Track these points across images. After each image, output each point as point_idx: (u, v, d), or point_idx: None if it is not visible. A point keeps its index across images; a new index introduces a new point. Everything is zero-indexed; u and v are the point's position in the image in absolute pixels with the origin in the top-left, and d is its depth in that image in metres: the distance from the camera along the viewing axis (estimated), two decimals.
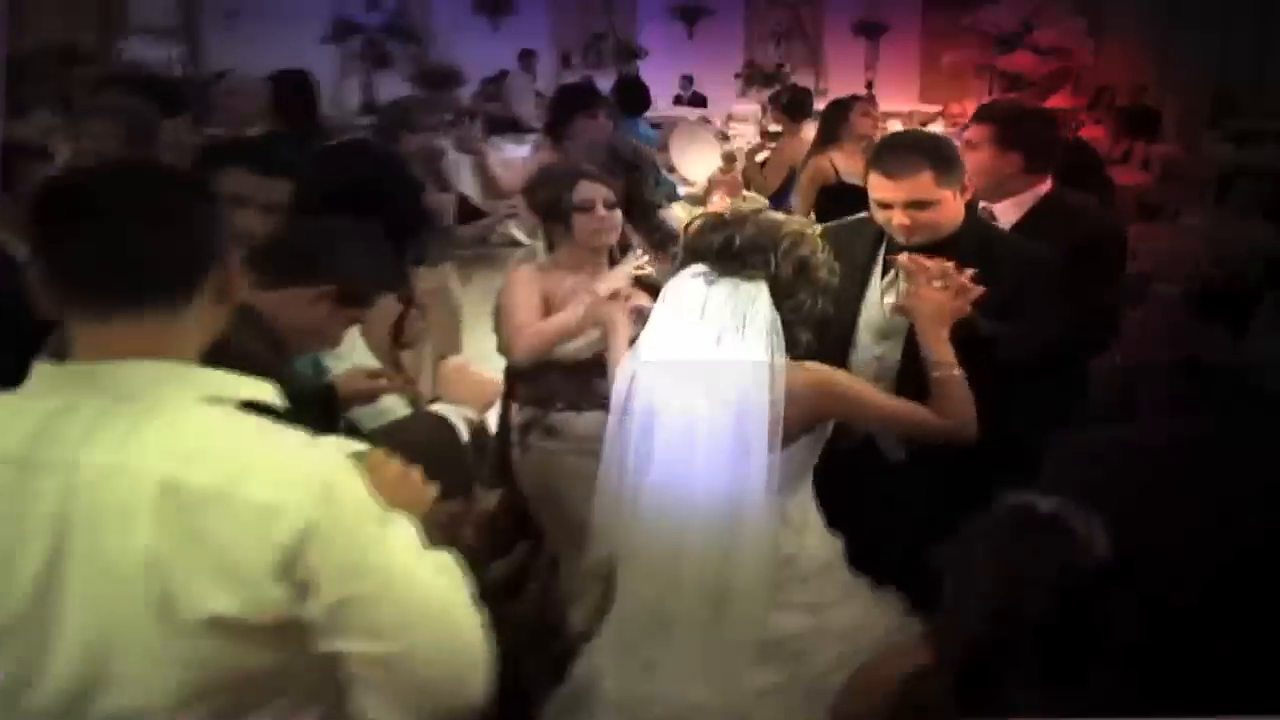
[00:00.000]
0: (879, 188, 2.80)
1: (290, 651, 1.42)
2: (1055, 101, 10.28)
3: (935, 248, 2.78)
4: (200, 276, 1.49)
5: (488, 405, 2.46)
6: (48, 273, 1.47)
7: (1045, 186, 3.39)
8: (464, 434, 2.26)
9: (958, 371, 2.52)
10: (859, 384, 2.54)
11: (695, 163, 5.97)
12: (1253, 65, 10.11)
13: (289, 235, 2.39)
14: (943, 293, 2.57)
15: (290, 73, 6.06)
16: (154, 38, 13.19)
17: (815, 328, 2.46)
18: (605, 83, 7.48)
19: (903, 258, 2.67)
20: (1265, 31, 10.12)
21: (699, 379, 2.35)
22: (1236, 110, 9.64)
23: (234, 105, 5.66)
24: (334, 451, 1.49)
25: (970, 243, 2.82)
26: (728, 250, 2.39)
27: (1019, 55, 11.20)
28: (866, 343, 2.88)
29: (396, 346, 2.99)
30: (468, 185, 6.20)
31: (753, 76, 14.07)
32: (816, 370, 2.47)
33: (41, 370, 1.48)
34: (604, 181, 3.17)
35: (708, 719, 2.34)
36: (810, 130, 6.79)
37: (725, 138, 7.15)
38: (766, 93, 10.31)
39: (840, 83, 14.11)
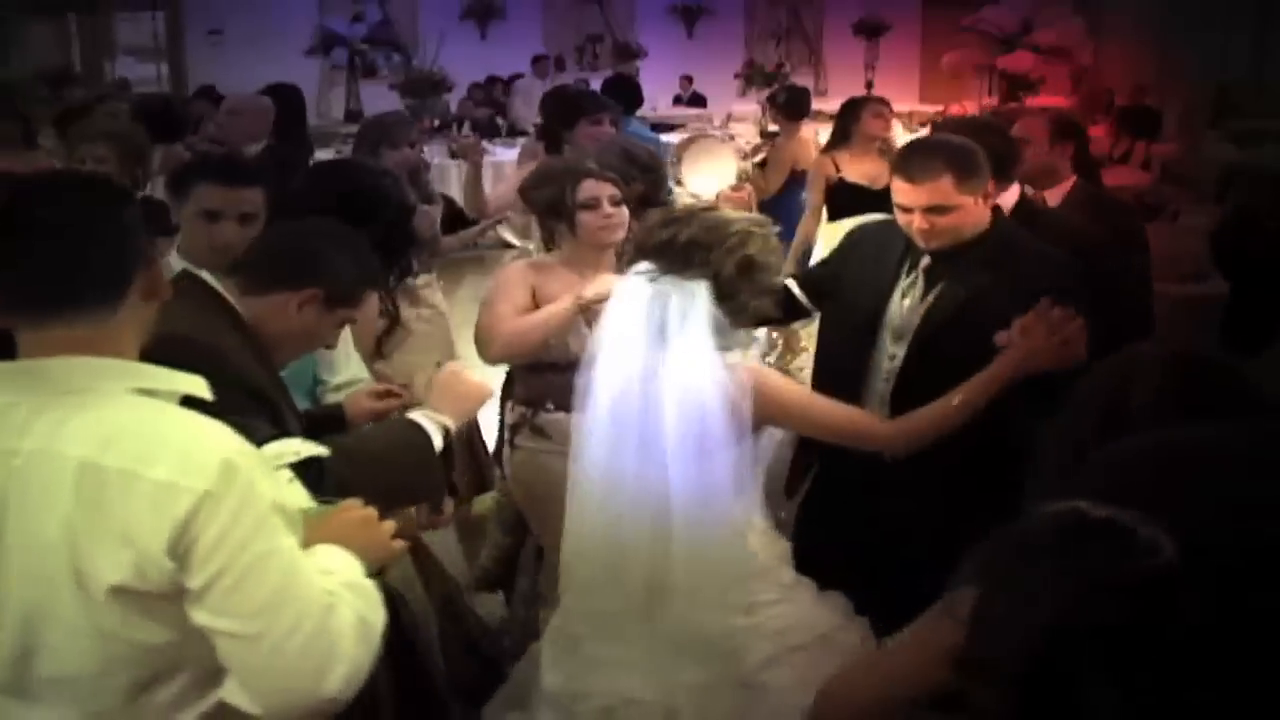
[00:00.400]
0: (900, 191, 2.79)
1: (186, 626, 1.53)
2: (1054, 101, 10.25)
3: (958, 252, 2.77)
4: (128, 279, 1.60)
5: (470, 413, 2.45)
6: None
7: (1011, 194, 3.42)
8: (438, 441, 2.27)
9: (965, 410, 2.49)
10: (796, 389, 2.52)
11: (708, 178, 5.93)
12: (1253, 65, 10.09)
13: (271, 242, 2.37)
14: (1049, 346, 2.47)
15: (280, 87, 6.11)
16: (140, 58, 13.36)
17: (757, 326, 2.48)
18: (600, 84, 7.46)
19: (1045, 304, 2.52)
20: (1265, 31, 10.09)
21: (647, 378, 2.34)
22: (1236, 110, 9.63)
23: (239, 125, 5.61)
24: (239, 441, 1.58)
25: (996, 249, 2.79)
26: (671, 246, 2.38)
27: (1019, 55, 11.17)
28: (885, 342, 2.87)
29: (377, 357, 2.99)
30: (455, 190, 6.19)
31: (753, 76, 14.05)
32: (755, 372, 2.46)
33: None
34: (609, 179, 3.11)
35: (639, 713, 2.38)
36: (808, 129, 6.78)
37: (745, 155, 7.09)
38: (766, 92, 10.27)
39: (840, 83, 14.13)
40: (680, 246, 2.37)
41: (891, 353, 2.86)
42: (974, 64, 12.07)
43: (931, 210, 2.73)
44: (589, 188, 3.07)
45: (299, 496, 1.79)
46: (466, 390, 2.39)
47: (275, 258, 2.27)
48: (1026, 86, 10.96)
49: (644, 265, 2.41)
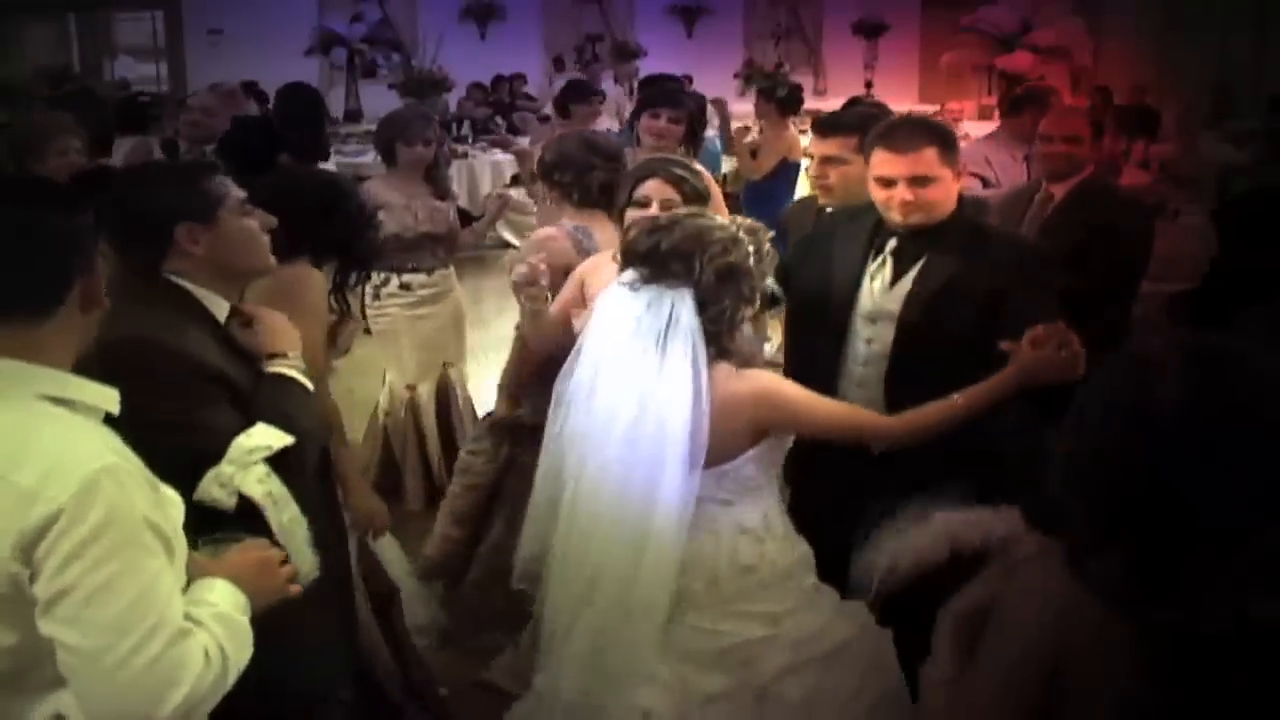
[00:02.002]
0: (884, 163, 2.83)
1: (27, 633, 1.52)
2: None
3: (928, 235, 2.82)
4: (62, 290, 1.60)
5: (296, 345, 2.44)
6: None
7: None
8: (307, 382, 2.34)
9: (969, 411, 2.49)
10: (804, 393, 2.49)
11: None
12: (1252, 65, 10.09)
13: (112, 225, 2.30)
14: (1054, 362, 2.46)
15: (293, 86, 6.04)
16: (140, 58, 13.38)
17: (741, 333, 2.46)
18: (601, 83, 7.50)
19: (1046, 329, 2.52)
20: (1265, 31, 10.10)
21: (624, 390, 2.34)
22: (1236, 110, 9.63)
23: (204, 123, 5.55)
24: (118, 460, 1.56)
25: (961, 235, 2.86)
26: (654, 255, 2.37)
27: (1018, 55, 11.16)
28: (857, 328, 2.90)
29: (331, 349, 3.06)
30: (459, 190, 6.24)
31: (752, 76, 14.04)
32: (761, 379, 2.46)
33: None
34: (673, 183, 3.10)
35: None
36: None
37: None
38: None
39: (839, 82, 14.14)
40: (663, 255, 2.36)
41: (867, 336, 2.88)
42: (973, 64, 12.06)
43: (915, 181, 2.78)
44: (646, 187, 3.08)
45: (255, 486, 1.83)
46: (287, 326, 2.40)
47: (130, 232, 2.26)
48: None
49: (629, 274, 2.41)
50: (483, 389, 5.36)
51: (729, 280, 2.36)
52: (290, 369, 2.31)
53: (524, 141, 8.23)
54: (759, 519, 2.46)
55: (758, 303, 2.46)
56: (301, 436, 2.21)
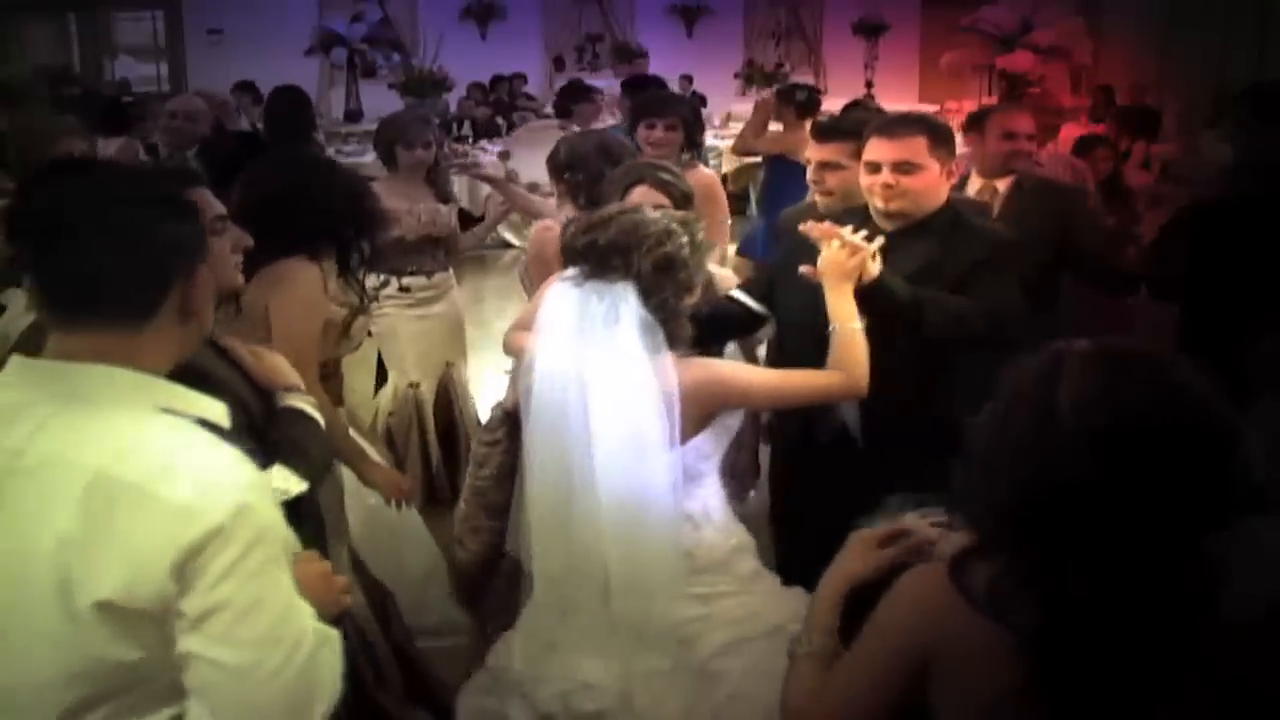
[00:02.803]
0: (874, 149, 2.89)
1: (164, 646, 1.48)
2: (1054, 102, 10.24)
3: (909, 231, 2.86)
4: (159, 294, 1.56)
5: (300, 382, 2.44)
6: (30, 283, 1.57)
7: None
8: (318, 415, 2.34)
9: (855, 325, 2.59)
10: (744, 370, 2.56)
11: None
12: (1252, 65, 10.08)
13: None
14: (842, 252, 2.64)
15: (282, 89, 6.06)
16: (140, 58, 13.41)
17: (697, 321, 2.52)
18: (599, 83, 7.50)
19: (809, 225, 2.72)
20: (1265, 31, 10.09)
21: (585, 383, 2.38)
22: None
23: (181, 128, 5.53)
24: (257, 474, 1.56)
25: (944, 226, 2.91)
26: (592, 251, 2.43)
27: (1018, 55, 11.16)
28: None
29: (345, 341, 3.10)
30: (460, 191, 6.23)
31: (752, 76, 14.07)
32: (700, 364, 2.52)
33: (15, 363, 1.58)
34: (663, 188, 3.11)
35: (595, 698, 2.44)
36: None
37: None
38: (774, 88, 10.31)
39: (839, 82, 14.14)
40: (600, 250, 2.41)
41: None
42: (973, 64, 12.06)
43: (900, 166, 2.84)
44: (635, 193, 3.11)
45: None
46: (283, 364, 2.40)
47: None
48: (1026, 86, 10.95)
49: (570, 271, 2.46)
50: (483, 388, 5.37)
51: (667, 271, 2.42)
52: (304, 403, 2.31)
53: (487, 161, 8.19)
54: (699, 506, 2.52)
55: (697, 292, 2.52)
56: (314, 478, 2.20)
